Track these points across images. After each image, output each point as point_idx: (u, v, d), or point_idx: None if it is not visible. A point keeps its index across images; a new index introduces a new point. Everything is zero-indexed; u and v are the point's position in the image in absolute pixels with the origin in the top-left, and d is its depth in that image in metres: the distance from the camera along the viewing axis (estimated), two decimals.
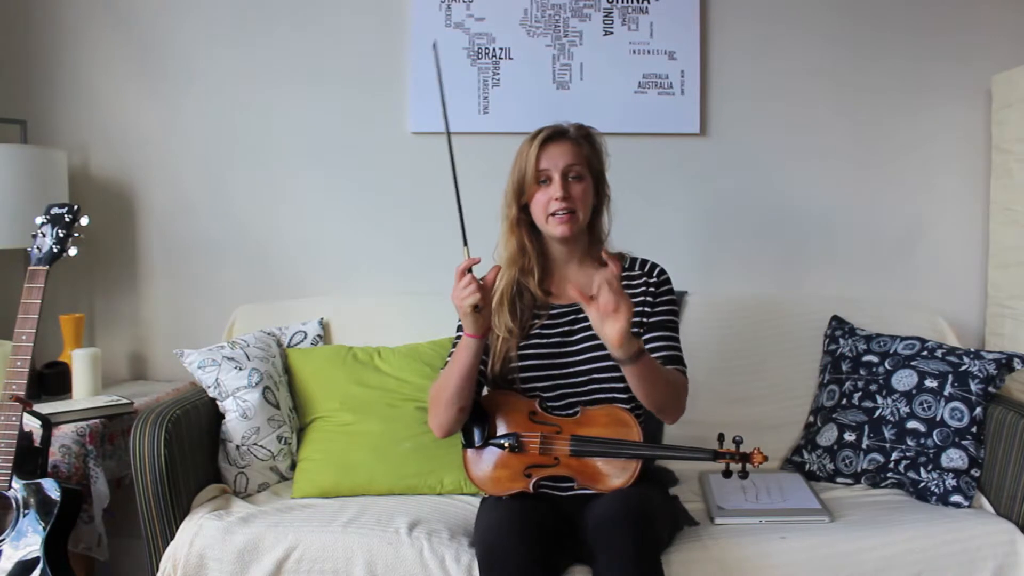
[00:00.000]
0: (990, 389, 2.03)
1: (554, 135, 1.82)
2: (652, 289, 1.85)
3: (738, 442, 1.68)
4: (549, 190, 1.79)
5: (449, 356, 1.87)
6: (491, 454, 1.77)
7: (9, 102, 2.59)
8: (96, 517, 2.03)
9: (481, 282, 1.64)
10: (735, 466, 1.68)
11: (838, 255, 2.60)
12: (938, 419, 2.04)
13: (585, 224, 1.84)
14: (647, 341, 1.81)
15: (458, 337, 1.87)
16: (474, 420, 1.78)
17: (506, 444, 1.75)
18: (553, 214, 1.78)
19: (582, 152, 1.82)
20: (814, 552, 1.73)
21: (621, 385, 1.79)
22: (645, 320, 1.83)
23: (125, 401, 2.18)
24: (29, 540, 1.86)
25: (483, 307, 1.65)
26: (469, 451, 1.79)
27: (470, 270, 1.64)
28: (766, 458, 1.67)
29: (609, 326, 1.58)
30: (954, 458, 1.99)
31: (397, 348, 2.25)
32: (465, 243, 1.73)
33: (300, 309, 2.43)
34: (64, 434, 2.02)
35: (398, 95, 2.59)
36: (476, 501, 1.92)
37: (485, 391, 1.87)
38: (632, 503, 1.63)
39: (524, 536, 1.60)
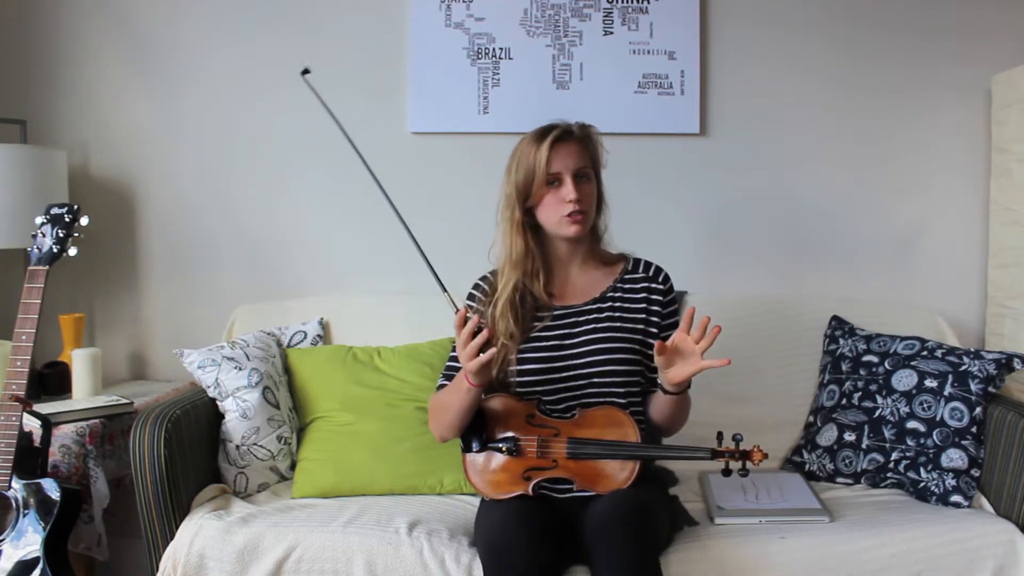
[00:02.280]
0: (990, 389, 2.03)
1: (563, 135, 1.79)
2: (659, 297, 1.86)
3: (737, 440, 1.68)
4: (560, 192, 1.77)
5: (450, 362, 1.88)
6: (490, 458, 1.77)
7: (9, 102, 2.59)
8: (96, 517, 2.03)
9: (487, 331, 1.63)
10: (735, 464, 1.68)
11: (838, 255, 2.60)
12: (938, 419, 2.04)
13: (592, 223, 1.85)
14: None
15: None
16: (472, 425, 1.78)
17: (504, 448, 1.75)
18: (567, 215, 1.77)
19: (588, 152, 1.82)
20: (814, 552, 1.74)
21: (621, 390, 1.79)
22: (651, 329, 1.84)
23: (125, 401, 2.18)
24: (29, 540, 1.86)
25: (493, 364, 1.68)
26: (468, 456, 1.79)
27: (479, 331, 1.63)
28: (766, 455, 1.67)
29: (684, 368, 1.65)
30: (954, 458, 1.99)
31: (397, 348, 2.25)
32: (444, 289, 1.74)
33: (300, 309, 2.43)
34: (64, 434, 2.02)
35: (398, 95, 2.59)
36: (476, 501, 1.92)
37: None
38: (630, 504, 1.62)
39: (528, 536, 1.59)
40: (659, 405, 1.77)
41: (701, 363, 1.63)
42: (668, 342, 1.65)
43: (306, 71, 2.00)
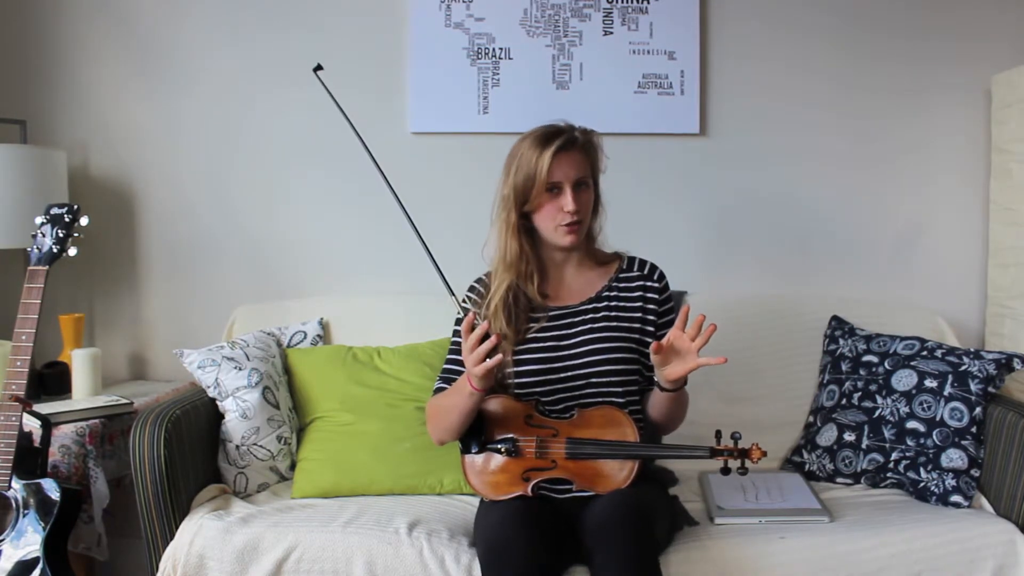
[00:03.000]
0: (990, 389, 2.03)
1: (567, 144, 1.77)
2: (654, 296, 1.86)
3: (736, 438, 1.68)
4: (559, 200, 1.77)
5: (447, 364, 1.88)
6: (489, 459, 1.77)
7: (9, 102, 2.59)
8: (96, 517, 2.03)
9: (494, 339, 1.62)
10: (734, 463, 1.68)
11: (838, 255, 2.60)
12: (938, 419, 2.04)
13: (586, 231, 1.85)
14: None
15: (455, 341, 1.87)
16: (470, 427, 1.77)
17: (503, 449, 1.74)
18: (564, 225, 1.77)
19: (589, 161, 1.81)
20: (814, 552, 1.74)
21: (619, 389, 1.79)
22: (648, 328, 1.84)
23: (125, 401, 2.18)
24: (29, 540, 1.86)
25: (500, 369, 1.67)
26: (467, 457, 1.79)
27: (486, 337, 1.61)
28: (764, 453, 1.67)
29: (680, 366, 1.65)
30: (954, 458, 1.99)
31: (397, 348, 2.25)
32: (452, 292, 1.75)
33: (300, 309, 2.43)
34: (64, 434, 2.02)
35: (398, 95, 2.59)
36: (476, 501, 1.92)
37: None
38: (629, 504, 1.62)
39: (527, 535, 1.59)
40: (657, 402, 1.78)
41: (697, 360, 1.63)
42: (664, 340, 1.65)
43: (318, 67, 1.98)
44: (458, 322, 1.85)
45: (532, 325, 1.83)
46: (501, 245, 1.84)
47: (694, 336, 1.63)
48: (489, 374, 1.64)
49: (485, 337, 1.61)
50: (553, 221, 1.78)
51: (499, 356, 1.61)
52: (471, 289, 1.92)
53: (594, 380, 1.79)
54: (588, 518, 1.63)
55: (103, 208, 2.58)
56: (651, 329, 1.84)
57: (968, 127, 2.56)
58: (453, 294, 1.76)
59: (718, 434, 1.70)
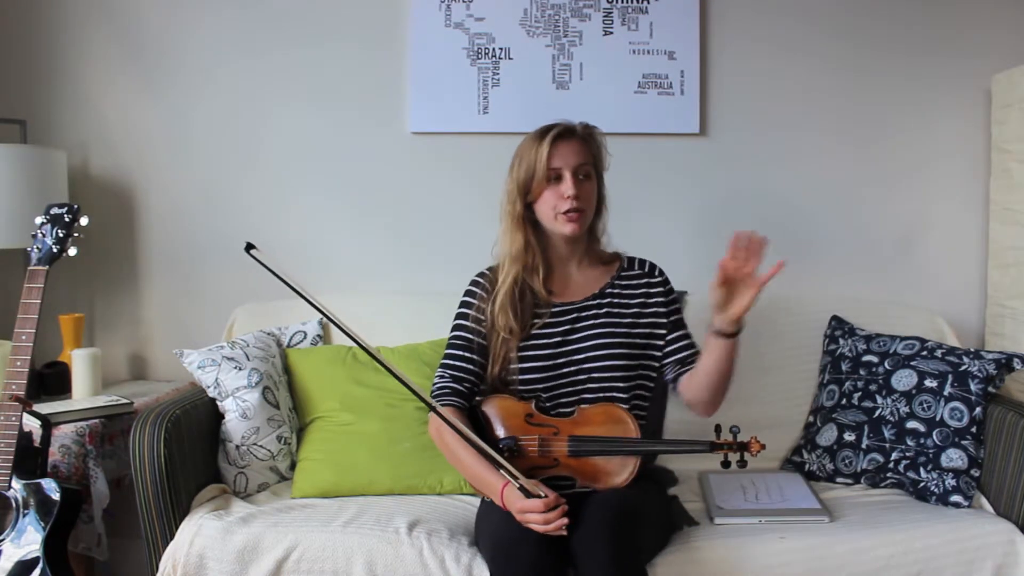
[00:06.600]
0: (990, 389, 2.03)
1: (565, 133, 1.80)
2: (659, 289, 1.87)
3: (735, 432, 1.68)
4: (559, 188, 1.78)
5: (446, 359, 1.87)
6: None
7: (9, 102, 2.59)
8: (96, 517, 2.03)
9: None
10: (733, 456, 1.68)
11: (838, 255, 2.60)
12: (938, 419, 2.04)
13: (590, 222, 1.85)
14: (672, 340, 1.83)
15: (454, 336, 1.87)
16: (471, 429, 1.77)
17: (505, 449, 1.74)
18: (564, 212, 1.78)
19: (590, 151, 1.82)
20: (814, 552, 1.74)
21: (622, 385, 1.79)
22: (659, 331, 1.84)
23: (125, 401, 2.18)
24: (29, 540, 1.86)
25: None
26: None
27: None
28: (763, 446, 1.67)
29: (745, 294, 1.60)
30: (954, 458, 1.99)
31: (397, 348, 2.25)
32: (431, 407, 1.63)
33: (300, 309, 2.42)
34: (64, 434, 2.02)
35: (398, 95, 2.59)
36: (476, 501, 1.92)
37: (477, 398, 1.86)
38: (613, 509, 1.61)
39: (535, 532, 1.58)
40: (714, 358, 1.71)
41: (759, 280, 1.60)
42: (722, 272, 1.60)
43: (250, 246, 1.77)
44: (459, 315, 1.88)
45: (536, 321, 1.84)
46: (508, 238, 1.85)
47: (743, 260, 1.60)
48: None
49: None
50: (553, 209, 1.79)
51: (563, 521, 1.58)
52: (474, 283, 1.92)
53: (595, 375, 1.79)
54: (576, 523, 1.60)
55: (103, 208, 2.58)
56: (661, 332, 1.85)
57: (968, 127, 2.56)
58: (424, 401, 1.63)
59: (717, 428, 1.71)
